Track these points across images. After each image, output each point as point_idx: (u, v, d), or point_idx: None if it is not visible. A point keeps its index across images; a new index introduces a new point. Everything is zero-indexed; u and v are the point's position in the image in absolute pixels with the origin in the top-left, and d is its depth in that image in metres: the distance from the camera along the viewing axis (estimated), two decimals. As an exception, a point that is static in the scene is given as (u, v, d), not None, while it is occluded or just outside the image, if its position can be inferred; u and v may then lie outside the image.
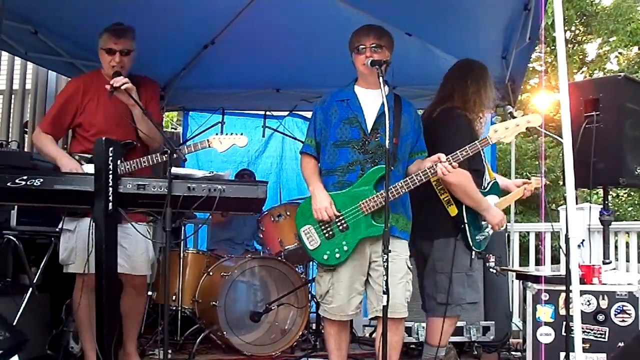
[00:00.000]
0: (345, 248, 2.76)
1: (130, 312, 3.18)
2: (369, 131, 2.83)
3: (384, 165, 2.65)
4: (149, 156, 2.97)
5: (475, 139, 2.85)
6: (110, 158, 2.37)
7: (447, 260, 3.08)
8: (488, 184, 3.19)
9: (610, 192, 4.11)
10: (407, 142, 2.88)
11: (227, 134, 3.04)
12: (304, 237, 2.82)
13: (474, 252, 3.15)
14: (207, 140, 3.01)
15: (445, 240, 3.10)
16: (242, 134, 3.07)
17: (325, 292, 2.85)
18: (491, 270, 4.09)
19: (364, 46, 2.83)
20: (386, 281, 2.38)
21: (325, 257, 2.78)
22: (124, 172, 2.84)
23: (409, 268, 2.86)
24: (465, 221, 3.06)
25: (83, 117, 3.08)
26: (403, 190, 2.75)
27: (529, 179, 3.40)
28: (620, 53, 14.75)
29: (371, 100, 2.88)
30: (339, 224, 2.78)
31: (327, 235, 2.79)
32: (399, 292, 2.75)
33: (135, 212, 2.66)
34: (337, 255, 2.77)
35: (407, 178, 2.77)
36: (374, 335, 4.81)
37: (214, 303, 3.93)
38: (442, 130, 3.08)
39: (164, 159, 2.83)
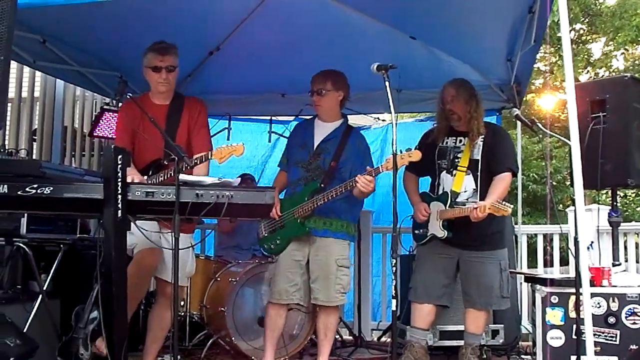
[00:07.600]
0: (278, 242, 3.42)
1: (151, 324, 3.19)
2: (312, 154, 3.42)
3: (318, 182, 3.33)
4: (165, 170, 2.96)
5: None
6: (119, 166, 2.38)
7: None
8: (442, 191, 3.50)
9: (619, 193, 4.09)
10: (348, 166, 3.39)
11: (225, 145, 2.93)
12: (261, 228, 3.51)
13: None
14: (210, 152, 2.91)
15: None
16: (241, 143, 2.90)
17: (269, 278, 3.54)
18: (499, 272, 4.07)
19: (311, 90, 3.42)
20: (395, 286, 2.39)
21: (266, 246, 3.52)
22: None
23: (339, 266, 3.35)
24: None
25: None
26: (324, 201, 3.22)
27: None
28: (625, 49, 14.60)
29: (322, 130, 3.47)
30: (280, 222, 3.41)
31: (271, 230, 3.46)
32: (330, 285, 3.33)
33: (182, 222, 2.54)
34: (272, 247, 3.46)
35: (333, 189, 3.23)
36: (382, 339, 4.83)
37: (222, 309, 3.94)
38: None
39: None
